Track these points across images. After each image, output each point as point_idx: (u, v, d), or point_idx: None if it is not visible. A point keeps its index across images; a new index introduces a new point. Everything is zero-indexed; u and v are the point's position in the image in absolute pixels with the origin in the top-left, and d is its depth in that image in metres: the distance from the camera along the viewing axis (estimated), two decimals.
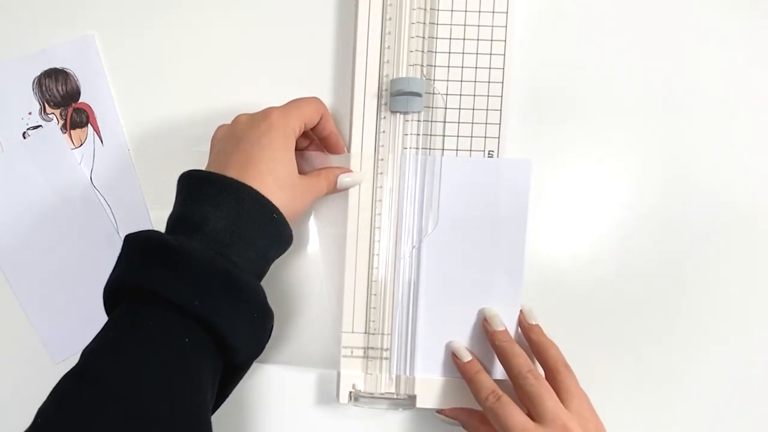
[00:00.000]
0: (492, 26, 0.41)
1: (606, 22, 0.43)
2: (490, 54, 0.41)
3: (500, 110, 0.42)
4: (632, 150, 0.43)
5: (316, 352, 0.43)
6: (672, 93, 0.43)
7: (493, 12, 0.41)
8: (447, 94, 0.42)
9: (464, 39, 0.41)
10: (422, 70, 0.41)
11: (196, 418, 0.30)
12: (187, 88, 0.44)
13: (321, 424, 0.44)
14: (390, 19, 0.41)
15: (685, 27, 0.43)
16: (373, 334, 0.42)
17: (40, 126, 0.45)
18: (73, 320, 0.45)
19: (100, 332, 0.31)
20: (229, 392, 0.35)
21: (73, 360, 0.30)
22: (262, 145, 0.35)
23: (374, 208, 0.42)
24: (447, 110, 0.42)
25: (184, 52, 0.44)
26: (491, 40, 0.41)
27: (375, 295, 0.42)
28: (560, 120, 0.43)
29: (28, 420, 0.27)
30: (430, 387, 0.42)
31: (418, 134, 0.42)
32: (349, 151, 0.42)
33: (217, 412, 0.34)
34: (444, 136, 0.42)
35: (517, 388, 0.38)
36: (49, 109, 0.45)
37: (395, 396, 0.42)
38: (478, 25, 0.41)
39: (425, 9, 0.41)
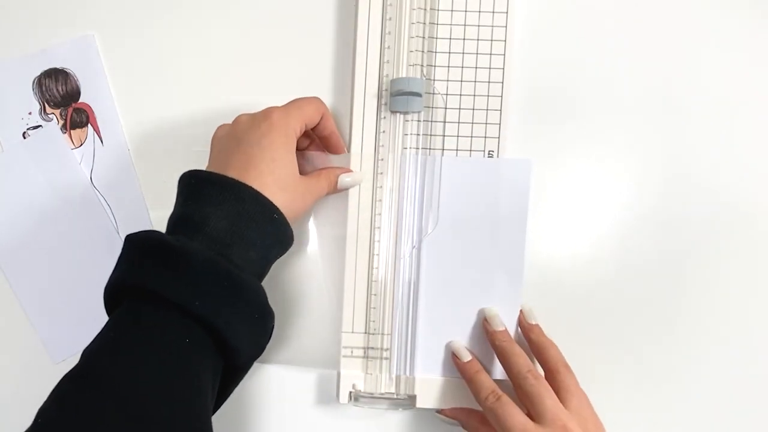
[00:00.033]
0: (492, 26, 0.41)
1: (606, 22, 0.43)
2: (490, 54, 0.41)
3: (500, 110, 0.42)
4: (632, 150, 0.43)
5: (316, 352, 0.43)
6: (672, 93, 0.43)
7: (493, 12, 0.41)
8: (447, 94, 0.42)
9: (464, 39, 0.41)
10: (422, 70, 0.41)
11: (196, 419, 0.30)
12: (187, 88, 0.44)
13: (321, 424, 0.44)
14: (390, 19, 0.41)
15: (685, 27, 0.43)
16: (373, 334, 0.42)
17: (40, 126, 0.45)
18: (73, 320, 0.45)
19: (100, 332, 0.31)
20: (230, 393, 0.35)
21: (73, 360, 0.30)
22: (263, 146, 0.35)
23: (374, 208, 0.42)
24: (447, 110, 0.42)
25: (184, 52, 0.44)
26: (491, 40, 0.41)
27: (375, 295, 0.42)
28: (560, 120, 0.43)
29: (28, 420, 0.27)
30: (430, 387, 0.42)
31: (418, 134, 0.42)
32: (349, 151, 0.42)
33: (217, 412, 0.34)
34: (444, 136, 0.42)
35: (517, 388, 0.38)
36: (49, 109, 0.45)
37: (395, 396, 0.42)
38: (478, 25, 0.41)
39: (425, 9, 0.41)
